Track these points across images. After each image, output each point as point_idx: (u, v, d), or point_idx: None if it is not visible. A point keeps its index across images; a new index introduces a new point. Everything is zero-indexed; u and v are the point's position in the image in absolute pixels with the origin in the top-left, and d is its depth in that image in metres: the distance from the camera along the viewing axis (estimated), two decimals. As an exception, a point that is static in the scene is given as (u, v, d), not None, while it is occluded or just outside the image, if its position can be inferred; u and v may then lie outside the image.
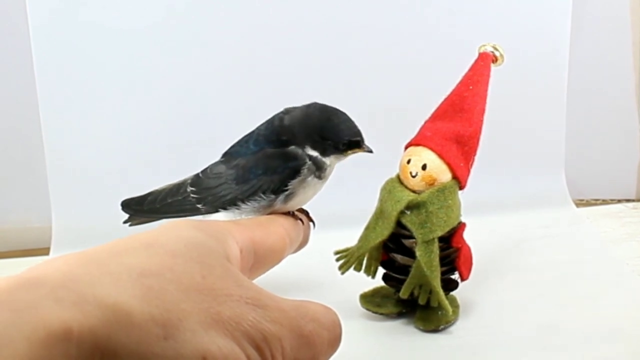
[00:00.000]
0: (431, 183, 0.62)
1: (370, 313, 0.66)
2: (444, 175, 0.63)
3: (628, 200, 0.96)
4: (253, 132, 0.54)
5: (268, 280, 0.42)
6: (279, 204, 0.52)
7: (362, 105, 0.85)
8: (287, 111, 0.53)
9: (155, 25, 0.83)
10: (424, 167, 0.62)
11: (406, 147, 0.65)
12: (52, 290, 0.27)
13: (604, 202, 0.96)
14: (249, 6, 0.84)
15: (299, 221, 0.50)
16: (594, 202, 0.96)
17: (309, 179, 0.52)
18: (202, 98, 0.85)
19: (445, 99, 0.66)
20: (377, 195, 0.66)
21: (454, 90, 0.66)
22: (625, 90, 0.96)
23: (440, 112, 0.66)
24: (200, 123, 0.85)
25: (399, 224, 0.63)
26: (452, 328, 0.64)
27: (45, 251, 0.82)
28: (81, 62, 0.83)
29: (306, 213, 0.54)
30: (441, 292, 0.62)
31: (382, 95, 0.88)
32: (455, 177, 0.63)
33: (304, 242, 0.51)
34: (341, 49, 0.86)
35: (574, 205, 0.91)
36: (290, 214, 0.51)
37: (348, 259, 0.67)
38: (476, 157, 0.65)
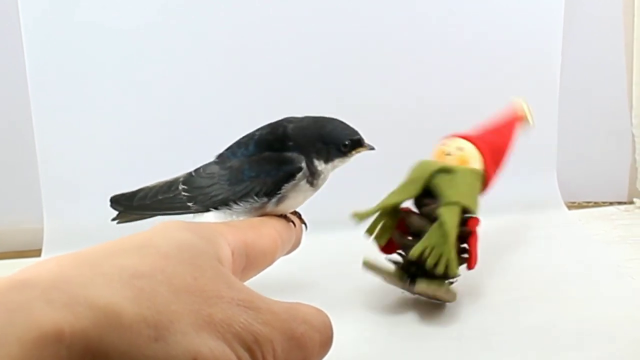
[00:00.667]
0: (463, 164, 0.68)
1: (364, 315, 0.66)
2: (476, 162, 0.68)
3: (620, 203, 0.96)
4: (253, 135, 0.54)
5: (260, 281, 0.42)
6: (270, 207, 0.52)
7: (359, 107, 0.85)
8: (289, 121, 0.53)
9: (148, 25, 0.83)
10: (459, 150, 0.68)
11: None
12: (44, 292, 0.27)
13: (596, 204, 0.97)
14: (246, 6, 0.84)
15: (291, 223, 0.50)
16: (586, 204, 0.97)
17: (302, 183, 0.52)
18: (195, 98, 0.85)
19: (481, 124, 0.73)
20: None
21: (489, 120, 0.74)
22: (617, 92, 0.96)
23: (476, 129, 0.72)
24: (193, 124, 0.85)
25: (424, 192, 0.67)
26: (446, 329, 0.64)
27: (37, 253, 0.81)
28: (74, 62, 0.83)
29: (298, 215, 0.54)
30: (453, 252, 0.63)
31: (378, 97, 0.88)
32: (484, 171, 0.69)
33: (295, 245, 0.51)
34: (339, 50, 0.86)
35: (565, 208, 0.91)
36: (282, 216, 0.51)
37: (367, 211, 0.67)
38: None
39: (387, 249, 0.68)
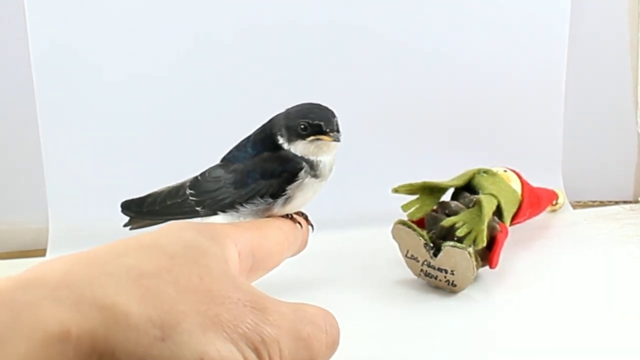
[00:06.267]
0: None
1: (370, 315, 0.66)
2: (517, 188, 0.76)
3: (625, 202, 0.96)
4: (250, 136, 0.54)
5: (266, 282, 0.42)
6: (277, 208, 0.52)
7: (359, 108, 0.85)
8: (277, 114, 0.54)
9: (154, 28, 0.83)
10: (505, 171, 0.78)
11: None
12: (51, 291, 0.27)
13: (602, 203, 0.96)
14: (246, 7, 0.84)
15: (298, 225, 0.51)
16: (591, 203, 0.96)
17: (306, 180, 0.52)
18: (201, 100, 0.85)
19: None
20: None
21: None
22: (622, 91, 0.96)
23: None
24: (199, 125, 0.85)
25: (467, 187, 0.74)
26: (451, 328, 0.64)
27: (41, 252, 0.81)
28: (79, 62, 0.82)
29: (305, 217, 0.54)
30: (484, 229, 0.66)
31: (378, 98, 0.88)
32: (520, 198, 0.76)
33: (302, 246, 0.51)
34: (339, 51, 0.86)
35: (570, 207, 0.91)
36: (289, 217, 0.51)
37: (409, 184, 0.71)
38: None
39: (416, 224, 0.70)
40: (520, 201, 0.76)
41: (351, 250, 0.77)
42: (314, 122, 0.51)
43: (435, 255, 0.67)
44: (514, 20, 0.89)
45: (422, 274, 0.69)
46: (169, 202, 0.55)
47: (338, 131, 0.51)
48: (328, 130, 0.51)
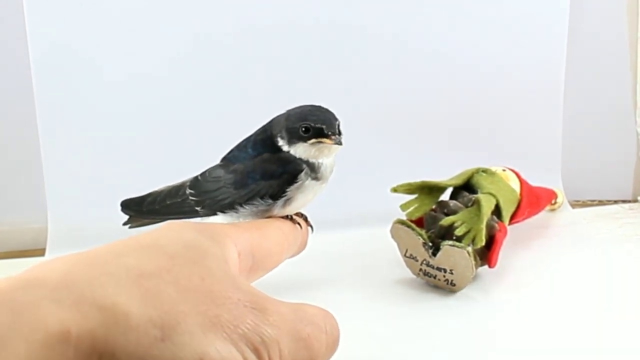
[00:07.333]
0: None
1: (370, 316, 0.66)
2: (515, 187, 0.77)
3: (624, 201, 0.96)
4: (250, 137, 0.54)
5: (266, 282, 0.42)
6: (277, 209, 0.51)
7: (359, 108, 0.85)
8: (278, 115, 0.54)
9: (154, 28, 0.83)
10: (504, 170, 0.78)
11: None
12: (52, 291, 0.27)
13: (601, 202, 0.97)
14: (246, 7, 0.84)
15: (297, 225, 0.51)
16: (590, 203, 0.96)
17: (307, 182, 0.52)
18: (201, 100, 0.85)
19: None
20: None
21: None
22: (621, 90, 0.96)
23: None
24: (199, 125, 0.85)
25: (466, 186, 0.74)
26: (451, 328, 0.64)
27: (40, 252, 0.81)
28: (79, 62, 0.82)
29: (305, 218, 0.54)
30: (483, 229, 0.66)
31: (378, 98, 0.88)
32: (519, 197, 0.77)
33: (301, 247, 0.51)
34: (339, 51, 0.86)
35: (570, 207, 0.91)
36: (289, 218, 0.51)
37: (408, 183, 0.72)
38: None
39: (415, 224, 0.70)
40: (519, 200, 0.76)
41: (351, 250, 0.77)
42: (316, 125, 0.50)
43: (434, 254, 0.67)
44: (513, 20, 0.89)
45: (421, 273, 0.69)
46: (168, 202, 0.55)
47: (340, 134, 0.51)
48: (330, 133, 0.50)
